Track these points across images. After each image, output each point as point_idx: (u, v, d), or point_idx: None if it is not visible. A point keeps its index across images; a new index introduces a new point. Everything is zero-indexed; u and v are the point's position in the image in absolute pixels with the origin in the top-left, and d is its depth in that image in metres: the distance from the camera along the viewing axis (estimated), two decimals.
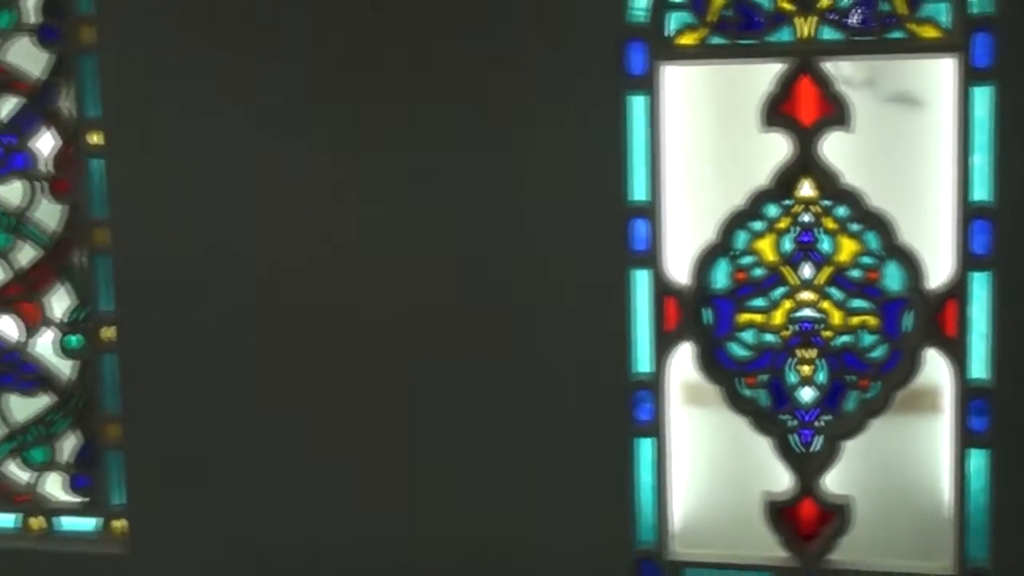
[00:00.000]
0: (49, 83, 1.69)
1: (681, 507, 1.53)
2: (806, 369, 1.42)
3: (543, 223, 1.48)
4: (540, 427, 1.51)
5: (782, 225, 1.41)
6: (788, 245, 1.41)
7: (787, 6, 1.38)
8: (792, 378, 1.43)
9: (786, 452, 1.43)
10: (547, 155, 1.47)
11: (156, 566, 1.70)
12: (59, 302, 1.76)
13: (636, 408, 1.48)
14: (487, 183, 1.49)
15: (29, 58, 1.70)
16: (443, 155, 1.50)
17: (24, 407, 1.79)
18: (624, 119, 1.44)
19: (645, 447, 1.48)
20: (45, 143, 1.72)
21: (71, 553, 1.73)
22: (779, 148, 1.39)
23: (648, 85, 1.42)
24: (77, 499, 1.78)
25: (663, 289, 1.44)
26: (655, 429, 1.47)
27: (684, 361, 1.47)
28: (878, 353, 1.40)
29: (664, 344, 1.45)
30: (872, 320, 1.40)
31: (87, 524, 1.76)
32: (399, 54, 1.49)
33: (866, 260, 1.39)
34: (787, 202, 1.40)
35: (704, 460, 1.55)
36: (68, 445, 1.77)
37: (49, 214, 1.73)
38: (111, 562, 1.70)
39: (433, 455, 1.55)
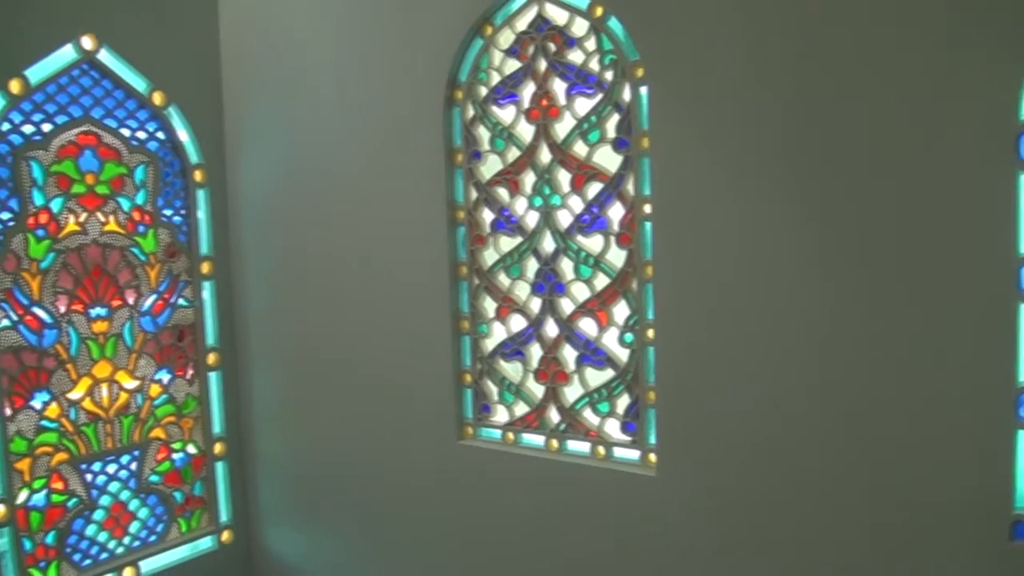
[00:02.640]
0: (620, 174, 2.50)
1: None
2: None
3: (954, 271, 1.97)
4: (950, 420, 2.00)
5: None
6: None
7: None
8: None
9: None
10: (960, 217, 1.96)
11: (674, 486, 2.41)
12: (620, 312, 2.56)
13: (1020, 407, 1.94)
14: (920, 239, 2.00)
15: (608, 159, 2.53)
16: (886, 218, 2.05)
17: (596, 377, 2.63)
18: (1017, 191, 1.91)
19: None
20: (615, 212, 2.53)
21: (620, 472, 2.52)
22: None
23: None
24: (626, 438, 2.56)
25: None
26: None
27: None
28: None
29: None
30: None
31: (632, 455, 2.55)
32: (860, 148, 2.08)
33: None
34: None
35: None
36: (622, 403, 2.57)
37: (616, 256, 2.54)
38: (645, 481, 2.47)
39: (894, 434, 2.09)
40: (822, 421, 2.18)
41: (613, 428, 2.61)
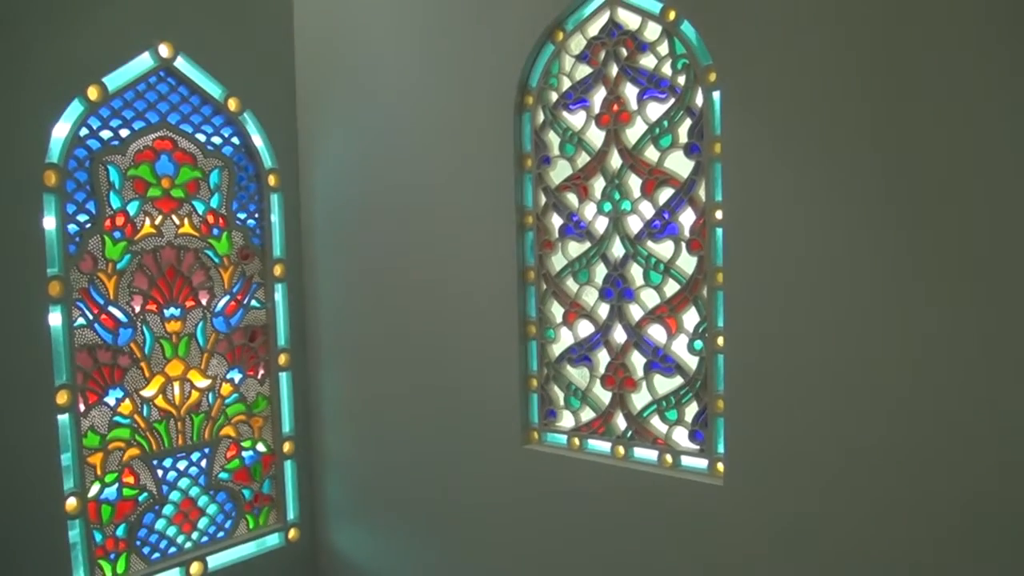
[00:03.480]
0: (691, 179, 2.48)
1: None
2: None
3: None
4: None
5: None
6: None
7: None
8: None
9: None
10: None
11: (742, 496, 2.38)
12: (689, 319, 2.54)
13: None
14: (1005, 245, 1.93)
15: (680, 164, 2.51)
16: (967, 224, 1.98)
17: (664, 384, 2.61)
18: None
19: None
20: (686, 217, 2.50)
21: (688, 480, 2.50)
22: None
23: None
24: (694, 446, 2.54)
25: None
26: None
27: None
28: None
29: None
30: None
31: (700, 464, 2.52)
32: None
33: None
34: None
35: None
36: (690, 411, 2.54)
37: (687, 263, 2.52)
38: (712, 490, 2.44)
39: None
40: (893, 431, 2.12)
41: (681, 436, 2.59)
